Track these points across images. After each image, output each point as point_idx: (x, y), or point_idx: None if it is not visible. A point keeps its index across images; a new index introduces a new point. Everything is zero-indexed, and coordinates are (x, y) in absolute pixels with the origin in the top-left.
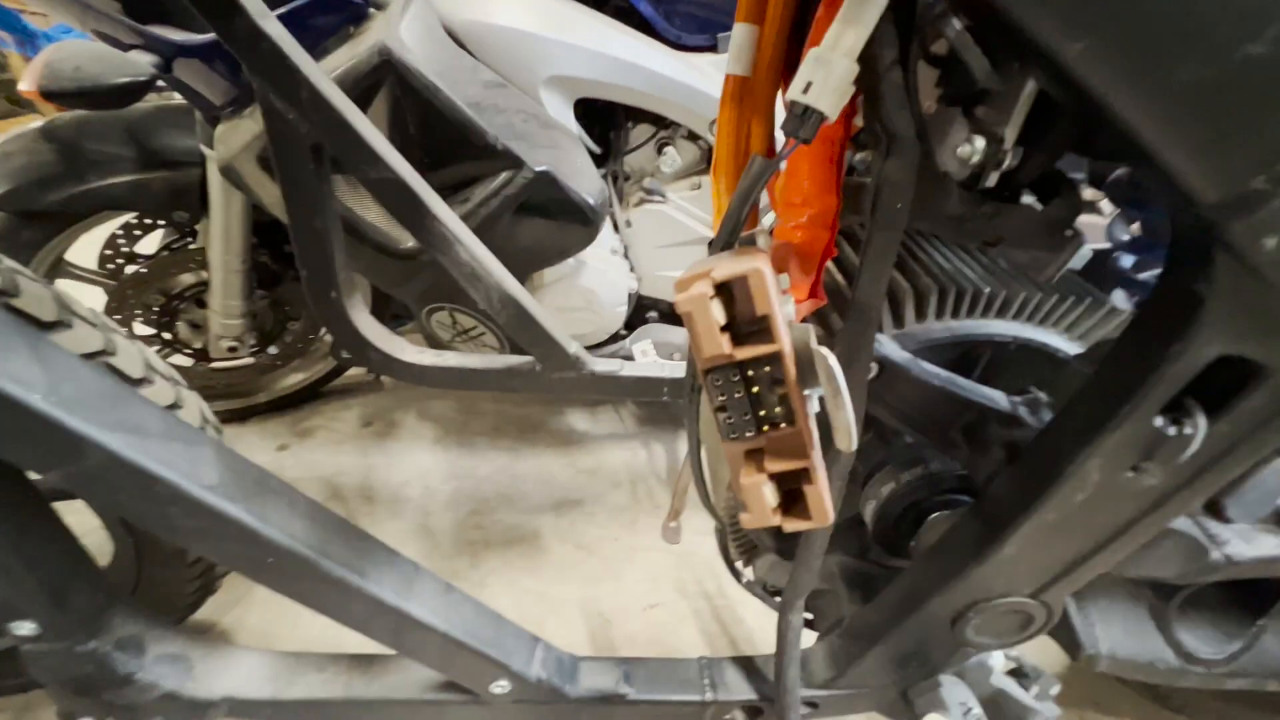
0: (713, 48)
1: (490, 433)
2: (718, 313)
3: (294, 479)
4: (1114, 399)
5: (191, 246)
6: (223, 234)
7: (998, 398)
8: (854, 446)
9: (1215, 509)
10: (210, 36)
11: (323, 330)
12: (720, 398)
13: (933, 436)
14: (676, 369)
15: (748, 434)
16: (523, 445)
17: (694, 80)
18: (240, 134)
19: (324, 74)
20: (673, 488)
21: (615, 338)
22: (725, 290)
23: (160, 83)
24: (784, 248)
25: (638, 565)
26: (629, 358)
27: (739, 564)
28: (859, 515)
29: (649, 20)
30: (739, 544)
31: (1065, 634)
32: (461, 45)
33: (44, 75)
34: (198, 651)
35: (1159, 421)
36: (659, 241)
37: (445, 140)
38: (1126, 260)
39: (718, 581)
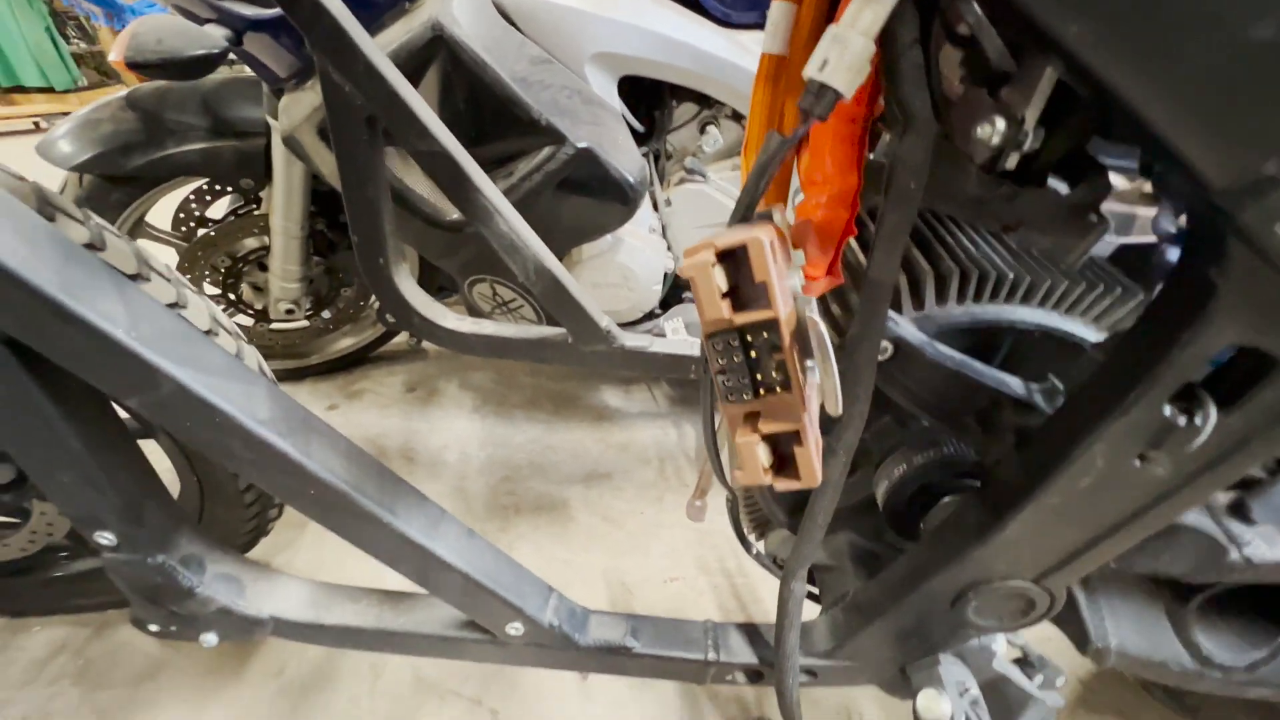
0: (761, 25)
1: (526, 405)
2: (720, 279)
3: None
4: (1123, 385)
5: (256, 213)
6: (284, 201)
7: (1013, 383)
8: (839, 410)
9: (1240, 510)
10: (277, 11)
11: (372, 297)
12: (720, 361)
13: (946, 420)
14: None
15: (745, 396)
16: (557, 419)
17: (740, 59)
18: (302, 105)
19: (379, 48)
20: (699, 467)
21: (650, 316)
22: (730, 259)
23: (231, 56)
24: (804, 225)
25: (662, 540)
26: (662, 336)
27: (751, 537)
28: (872, 497)
29: None
30: (752, 518)
31: (1074, 625)
32: (511, 21)
33: (130, 47)
34: (249, 575)
35: (1168, 410)
36: (698, 221)
37: (491, 115)
38: (1173, 254)
39: (738, 560)
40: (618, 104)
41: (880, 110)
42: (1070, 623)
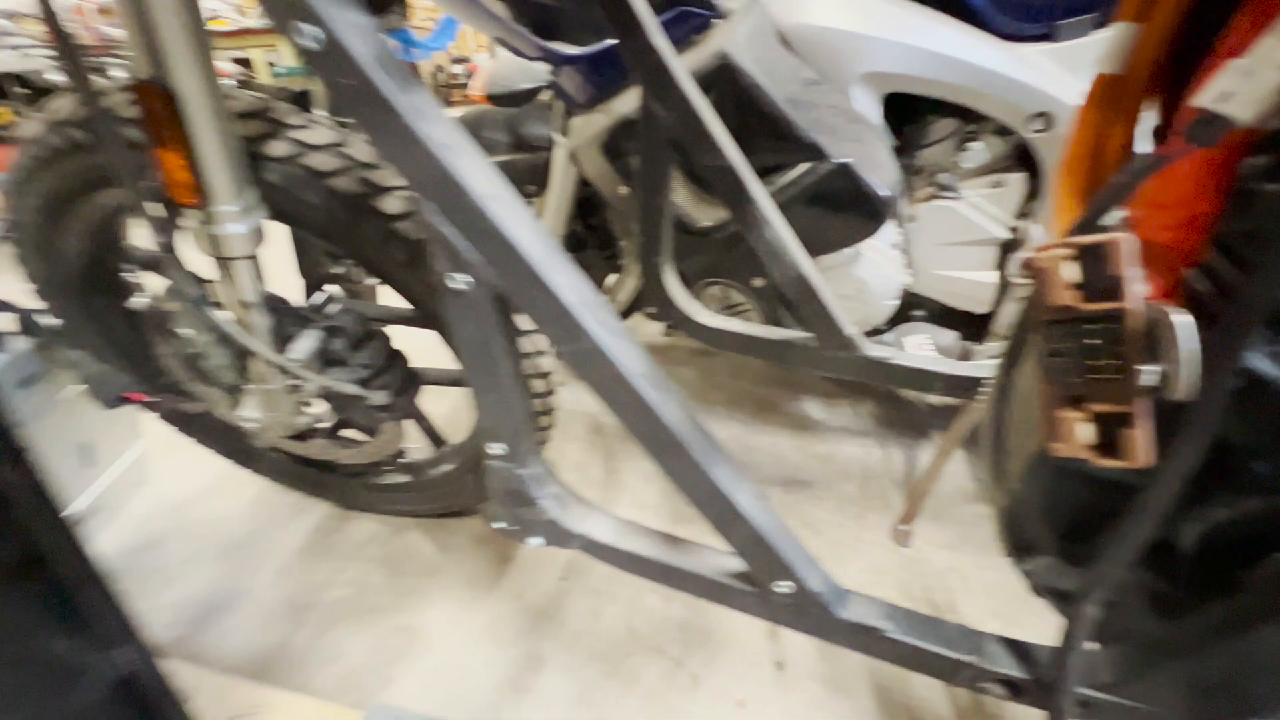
0: (1046, 36)
1: (728, 404)
2: (1071, 271)
3: (563, 414)
4: None
5: None
6: (554, 204)
7: None
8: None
9: None
10: (588, 50)
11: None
12: (1056, 345)
13: None
14: (955, 367)
15: (1074, 378)
16: (757, 421)
17: (1017, 73)
18: (592, 126)
19: (689, 78)
20: (907, 491)
21: (875, 332)
22: (1082, 257)
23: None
24: (1143, 244)
25: (861, 556)
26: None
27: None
28: (1167, 535)
29: (976, 10)
30: (1014, 539)
31: None
32: (790, 47)
33: (489, 84)
34: (570, 499)
35: None
36: (943, 239)
37: (761, 132)
38: None
39: (949, 594)
40: (879, 120)
41: (1260, 134)
42: None
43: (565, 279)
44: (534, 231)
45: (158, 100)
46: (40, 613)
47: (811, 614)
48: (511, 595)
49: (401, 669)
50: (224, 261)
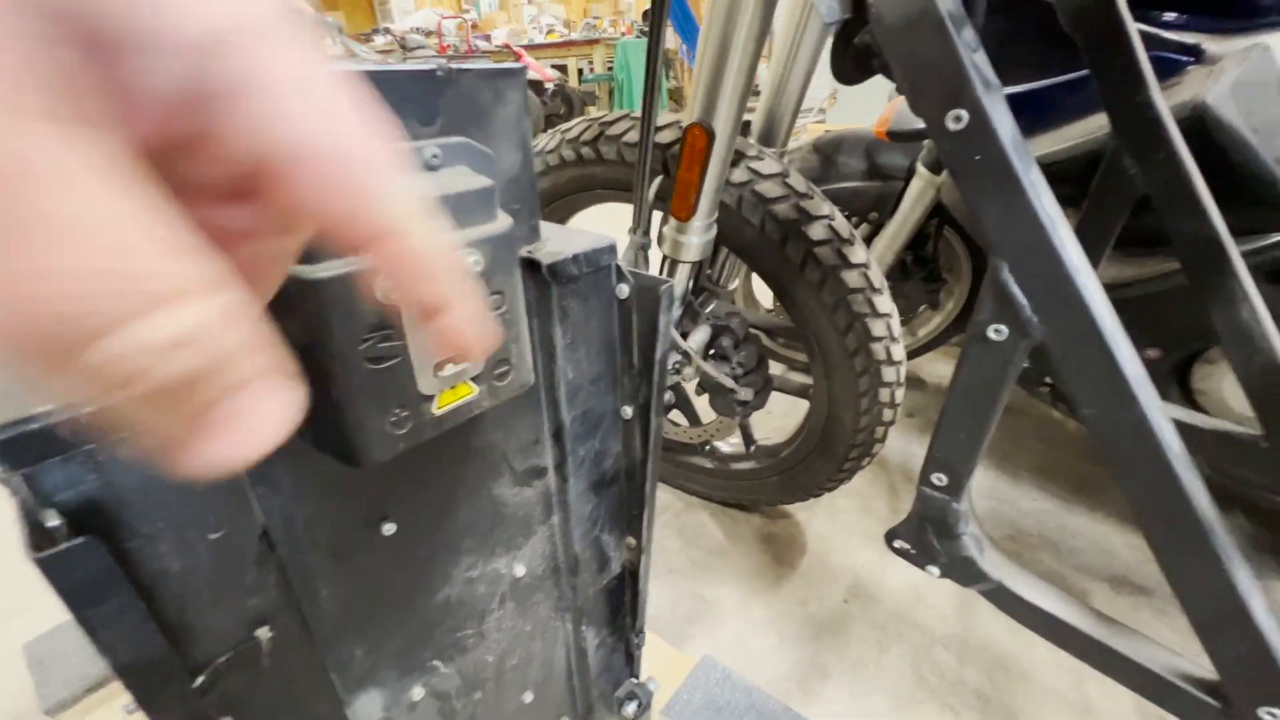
0: None
1: (1035, 472)
2: None
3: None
4: None
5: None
6: (894, 233)
7: None
8: None
9: None
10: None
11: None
12: None
13: None
14: None
15: None
16: (1076, 501)
17: None
18: None
19: (1178, 135)
20: None
21: None
22: None
23: None
24: None
25: None
26: None
27: None
28: None
29: None
30: None
31: None
32: None
33: (895, 119)
34: (988, 544)
35: None
36: None
37: (1235, 193)
38: None
39: None
40: None
41: None
42: None
43: (1128, 351)
44: (1107, 304)
45: (702, 138)
46: (617, 509)
47: None
48: (795, 600)
49: (696, 630)
50: (674, 262)
